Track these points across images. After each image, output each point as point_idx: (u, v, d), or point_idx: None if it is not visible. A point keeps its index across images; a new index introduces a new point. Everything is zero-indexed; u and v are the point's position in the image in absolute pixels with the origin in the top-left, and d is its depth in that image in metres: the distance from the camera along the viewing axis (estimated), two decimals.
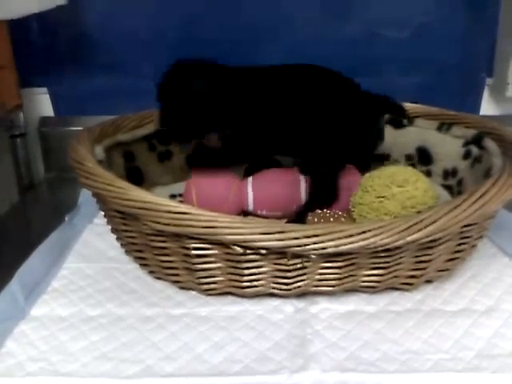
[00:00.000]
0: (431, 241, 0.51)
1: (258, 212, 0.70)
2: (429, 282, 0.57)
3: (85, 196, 0.76)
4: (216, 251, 0.51)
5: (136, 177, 0.76)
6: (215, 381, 0.45)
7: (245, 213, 0.71)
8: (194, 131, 0.65)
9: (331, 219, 0.62)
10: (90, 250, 0.65)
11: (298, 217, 0.65)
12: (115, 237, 0.62)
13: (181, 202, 0.72)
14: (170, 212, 0.49)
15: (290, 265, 0.51)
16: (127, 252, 0.62)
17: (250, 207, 0.70)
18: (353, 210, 0.63)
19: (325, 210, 0.63)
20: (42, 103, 0.97)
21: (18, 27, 0.89)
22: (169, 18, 0.92)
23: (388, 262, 0.52)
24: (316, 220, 0.62)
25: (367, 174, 0.63)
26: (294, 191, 0.69)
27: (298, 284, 0.53)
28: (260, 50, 0.93)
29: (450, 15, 0.92)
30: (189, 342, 0.50)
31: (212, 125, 0.65)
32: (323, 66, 0.68)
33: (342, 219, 0.62)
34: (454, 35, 0.93)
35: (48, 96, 0.97)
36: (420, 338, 0.50)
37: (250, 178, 0.70)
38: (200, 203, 0.67)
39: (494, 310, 0.54)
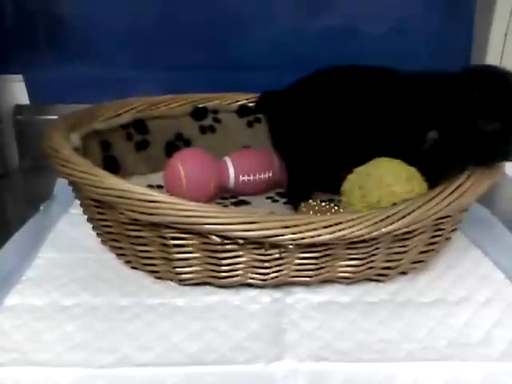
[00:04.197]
0: (406, 232, 0.52)
1: (240, 179, 0.73)
2: (403, 273, 0.58)
3: (60, 185, 0.75)
4: (193, 241, 0.51)
5: (112, 166, 0.75)
6: (191, 370, 0.45)
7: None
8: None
9: (328, 213, 0.62)
10: (65, 240, 0.65)
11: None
12: (91, 226, 0.62)
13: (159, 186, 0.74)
14: (146, 201, 0.49)
15: (268, 255, 0.51)
16: (103, 241, 0.61)
17: (231, 176, 0.73)
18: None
19: (318, 202, 0.64)
20: (18, 91, 0.95)
21: None
22: (146, 7, 0.91)
23: (364, 253, 0.53)
24: (311, 212, 0.62)
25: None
26: (267, 157, 0.76)
27: (275, 274, 0.53)
28: (238, 44, 0.92)
29: (427, 11, 0.93)
30: (165, 331, 0.49)
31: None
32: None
33: (341, 210, 0.62)
34: (430, 31, 0.94)
35: (24, 84, 0.95)
36: (394, 327, 0.50)
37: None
38: (188, 180, 0.70)
39: (466, 300, 0.55)
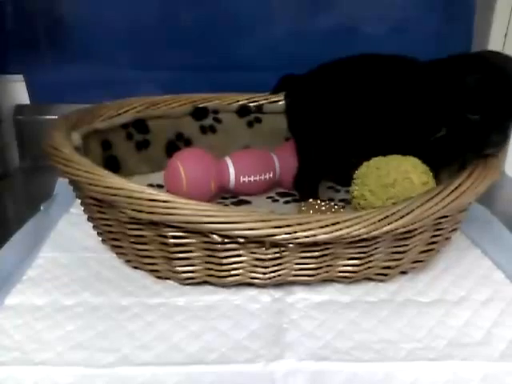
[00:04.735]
0: (406, 232, 0.52)
1: (241, 179, 0.73)
2: (404, 273, 0.58)
3: (61, 185, 0.75)
4: (194, 240, 0.51)
5: (113, 165, 0.75)
6: (191, 369, 0.45)
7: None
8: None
9: (328, 212, 0.62)
10: (65, 239, 0.65)
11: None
12: (91, 226, 0.62)
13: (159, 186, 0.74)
14: (148, 200, 0.49)
15: (268, 254, 0.51)
16: (104, 241, 0.61)
17: (232, 177, 0.73)
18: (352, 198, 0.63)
19: (319, 201, 0.64)
20: (18, 91, 0.95)
21: None
22: (146, 7, 0.91)
23: (364, 253, 0.53)
24: (311, 212, 0.62)
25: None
26: (267, 157, 0.77)
27: (276, 273, 0.53)
28: (238, 44, 0.93)
29: (427, 12, 0.93)
30: (165, 330, 0.50)
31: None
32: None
33: (341, 210, 0.62)
34: (430, 31, 0.94)
35: (24, 84, 0.95)
36: (394, 327, 0.50)
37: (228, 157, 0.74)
38: (188, 181, 0.70)
39: (466, 300, 0.55)
